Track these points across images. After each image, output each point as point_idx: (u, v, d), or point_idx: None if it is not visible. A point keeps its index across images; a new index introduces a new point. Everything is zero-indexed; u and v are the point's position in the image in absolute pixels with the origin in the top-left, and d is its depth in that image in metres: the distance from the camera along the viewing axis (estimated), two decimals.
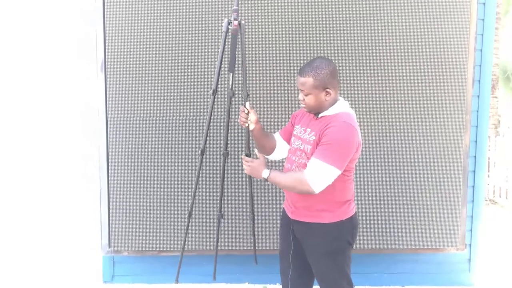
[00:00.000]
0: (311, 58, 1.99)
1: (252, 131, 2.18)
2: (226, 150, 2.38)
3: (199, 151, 2.41)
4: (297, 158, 2.02)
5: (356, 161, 1.99)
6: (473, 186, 3.22)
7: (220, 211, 2.53)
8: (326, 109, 1.96)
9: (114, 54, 2.94)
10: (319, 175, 1.83)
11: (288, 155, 2.13)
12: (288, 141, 2.20)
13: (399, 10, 2.92)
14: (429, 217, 3.03)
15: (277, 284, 3.21)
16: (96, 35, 2.94)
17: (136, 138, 2.98)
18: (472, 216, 3.24)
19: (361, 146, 1.98)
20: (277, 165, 2.39)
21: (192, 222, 3.00)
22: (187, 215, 2.53)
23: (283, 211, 2.21)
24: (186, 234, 2.57)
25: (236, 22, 2.15)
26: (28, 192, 4.99)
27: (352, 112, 2.01)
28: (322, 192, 1.90)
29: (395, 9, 2.92)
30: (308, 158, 1.94)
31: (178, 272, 2.62)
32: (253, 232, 2.60)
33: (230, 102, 2.28)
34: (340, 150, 1.84)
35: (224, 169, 2.45)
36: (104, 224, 3.04)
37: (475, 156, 3.19)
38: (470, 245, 3.25)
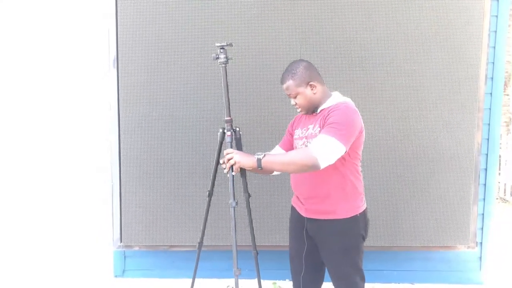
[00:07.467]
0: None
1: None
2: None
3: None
4: None
5: (362, 147, 2.00)
6: (485, 184, 3.20)
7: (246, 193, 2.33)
8: (322, 102, 2.00)
9: (126, 50, 2.96)
10: (324, 147, 1.82)
11: None
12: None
13: (412, 7, 2.91)
14: (440, 215, 3.02)
15: (287, 280, 3.22)
16: (109, 31, 2.97)
17: (147, 133, 3.01)
18: (483, 214, 3.22)
19: (364, 132, 1.98)
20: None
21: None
22: (207, 193, 2.40)
23: (293, 209, 2.18)
24: (208, 210, 2.45)
25: (229, 133, 2.10)
26: (40, 187, 5.05)
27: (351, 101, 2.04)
28: (336, 185, 1.92)
29: (408, 5, 2.91)
30: None
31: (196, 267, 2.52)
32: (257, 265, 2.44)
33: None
34: (344, 127, 1.85)
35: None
36: (115, 219, 3.08)
37: (486, 154, 3.17)
38: (481, 243, 3.23)
